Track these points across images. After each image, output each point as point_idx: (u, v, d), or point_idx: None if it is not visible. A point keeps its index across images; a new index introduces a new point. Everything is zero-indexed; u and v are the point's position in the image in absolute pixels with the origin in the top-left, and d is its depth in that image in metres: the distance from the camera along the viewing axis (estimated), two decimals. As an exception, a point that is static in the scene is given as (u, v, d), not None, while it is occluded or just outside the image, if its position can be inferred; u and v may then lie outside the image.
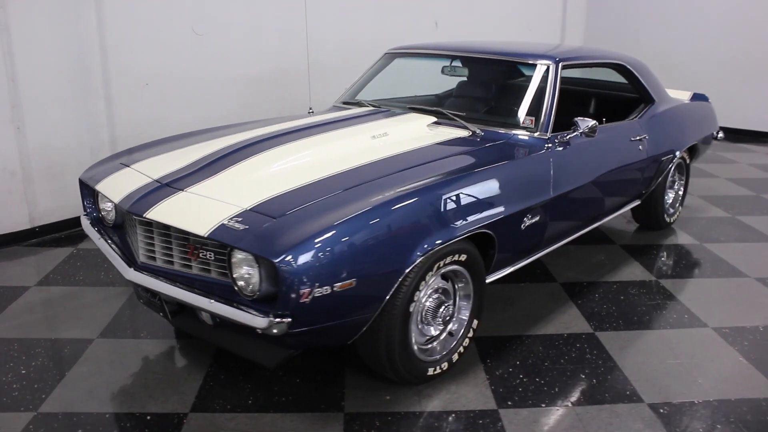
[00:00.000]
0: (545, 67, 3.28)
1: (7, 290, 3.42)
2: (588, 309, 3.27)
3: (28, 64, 3.86)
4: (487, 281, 2.83)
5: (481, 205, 2.56)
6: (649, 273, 3.74)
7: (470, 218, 2.48)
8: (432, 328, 2.59)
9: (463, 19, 6.77)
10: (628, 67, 3.90)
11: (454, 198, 2.45)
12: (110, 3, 4.17)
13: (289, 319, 2.03)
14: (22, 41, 3.81)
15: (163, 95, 4.60)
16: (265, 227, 2.11)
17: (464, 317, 2.70)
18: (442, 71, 3.72)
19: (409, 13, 6.37)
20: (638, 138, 3.72)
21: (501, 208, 2.64)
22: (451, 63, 3.62)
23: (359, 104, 3.67)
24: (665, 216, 4.35)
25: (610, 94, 4.42)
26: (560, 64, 3.29)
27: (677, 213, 4.52)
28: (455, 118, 3.20)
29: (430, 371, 2.56)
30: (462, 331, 2.70)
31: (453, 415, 2.41)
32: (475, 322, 2.74)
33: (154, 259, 2.43)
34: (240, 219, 2.16)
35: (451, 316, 2.66)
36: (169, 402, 2.46)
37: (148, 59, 4.46)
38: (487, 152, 2.90)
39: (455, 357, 2.67)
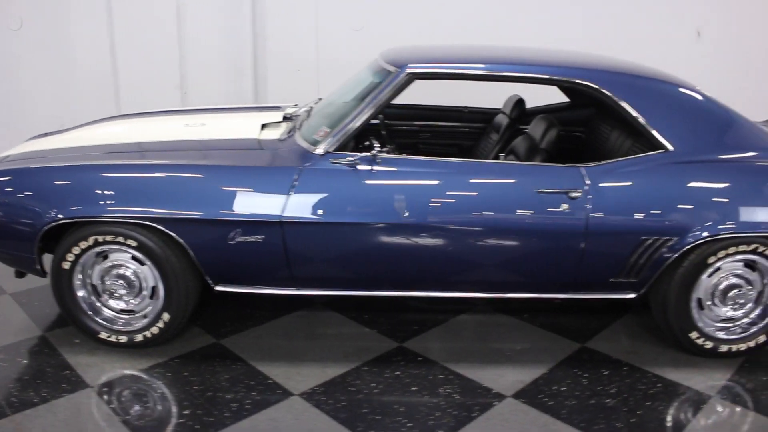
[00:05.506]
0: (383, 75, 2.72)
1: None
2: (354, 379, 2.65)
3: (194, 46, 5.21)
4: (223, 289, 2.77)
5: (149, 197, 2.60)
6: (511, 386, 2.58)
7: (118, 206, 2.57)
8: (112, 300, 2.78)
9: (732, 28, 5.01)
10: (602, 89, 2.60)
11: (113, 179, 2.63)
12: (269, -1, 5.12)
13: None
14: (192, 28, 5.17)
15: (314, 80, 5.32)
16: None
17: (156, 306, 2.75)
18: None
19: (662, 20, 5.12)
20: (561, 191, 2.56)
21: (174, 209, 2.58)
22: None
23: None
24: (692, 336, 2.71)
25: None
26: (405, 73, 2.65)
27: (741, 344, 2.72)
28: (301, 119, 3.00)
29: (103, 335, 2.77)
30: (151, 317, 2.76)
31: (70, 373, 2.64)
32: (166, 315, 2.73)
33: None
34: (8, 156, 2.94)
35: (135, 296, 2.76)
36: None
37: (302, 48, 5.25)
38: (245, 155, 2.79)
39: (138, 338, 2.77)
